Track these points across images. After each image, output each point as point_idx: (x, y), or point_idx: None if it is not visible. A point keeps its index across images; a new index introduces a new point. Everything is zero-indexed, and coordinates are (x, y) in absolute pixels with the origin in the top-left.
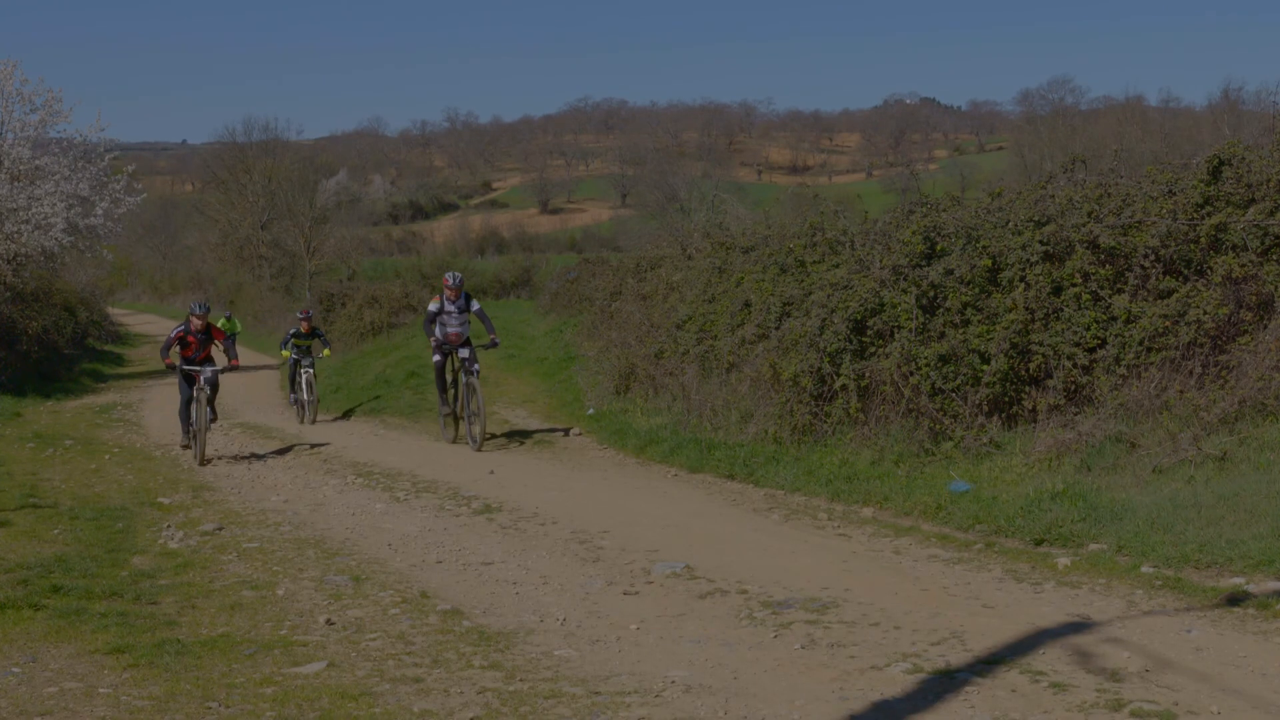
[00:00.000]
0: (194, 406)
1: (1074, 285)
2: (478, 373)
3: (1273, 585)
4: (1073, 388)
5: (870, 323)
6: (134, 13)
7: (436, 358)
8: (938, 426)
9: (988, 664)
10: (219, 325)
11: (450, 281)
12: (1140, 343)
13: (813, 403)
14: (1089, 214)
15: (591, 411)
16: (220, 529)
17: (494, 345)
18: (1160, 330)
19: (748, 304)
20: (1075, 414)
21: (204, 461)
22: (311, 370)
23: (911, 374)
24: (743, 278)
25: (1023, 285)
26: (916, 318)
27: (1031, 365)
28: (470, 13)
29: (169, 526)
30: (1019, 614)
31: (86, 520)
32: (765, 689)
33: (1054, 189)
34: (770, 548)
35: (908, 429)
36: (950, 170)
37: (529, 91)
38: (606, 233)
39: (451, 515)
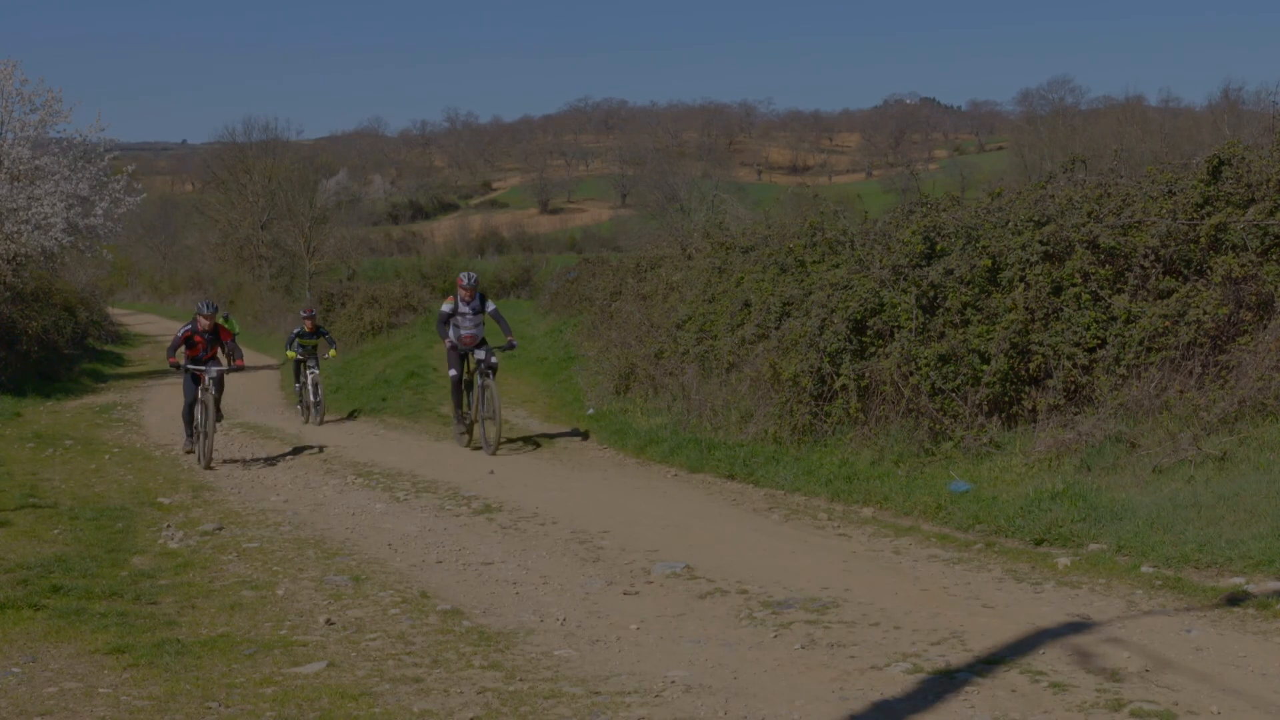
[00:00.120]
0: (198, 408)
1: (1074, 285)
2: (494, 374)
3: (1273, 585)
4: (1073, 388)
5: (870, 323)
6: (134, 13)
7: (453, 372)
8: (938, 426)
9: (988, 664)
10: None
11: (465, 281)
12: (1140, 343)
13: (813, 403)
14: (1089, 214)
15: (591, 411)
16: (220, 529)
17: (511, 347)
18: (1160, 330)
19: (748, 304)
20: (1075, 414)
21: (210, 465)
22: (317, 371)
23: (911, 374)
24: (743, 278)
25: (1023, 285)
26: (916, 318)
27: (1031, 365)
28: (470, 13)
29: (169, 526)
30: (1019, 614)
31: (86, 520)
32: (765, 689)
33: (1054, 189)
34: (770, 548)
35: (908, 429)
36: (950, 170)
37: (529, 91)
38: (606, 233)
39: (451, 515)
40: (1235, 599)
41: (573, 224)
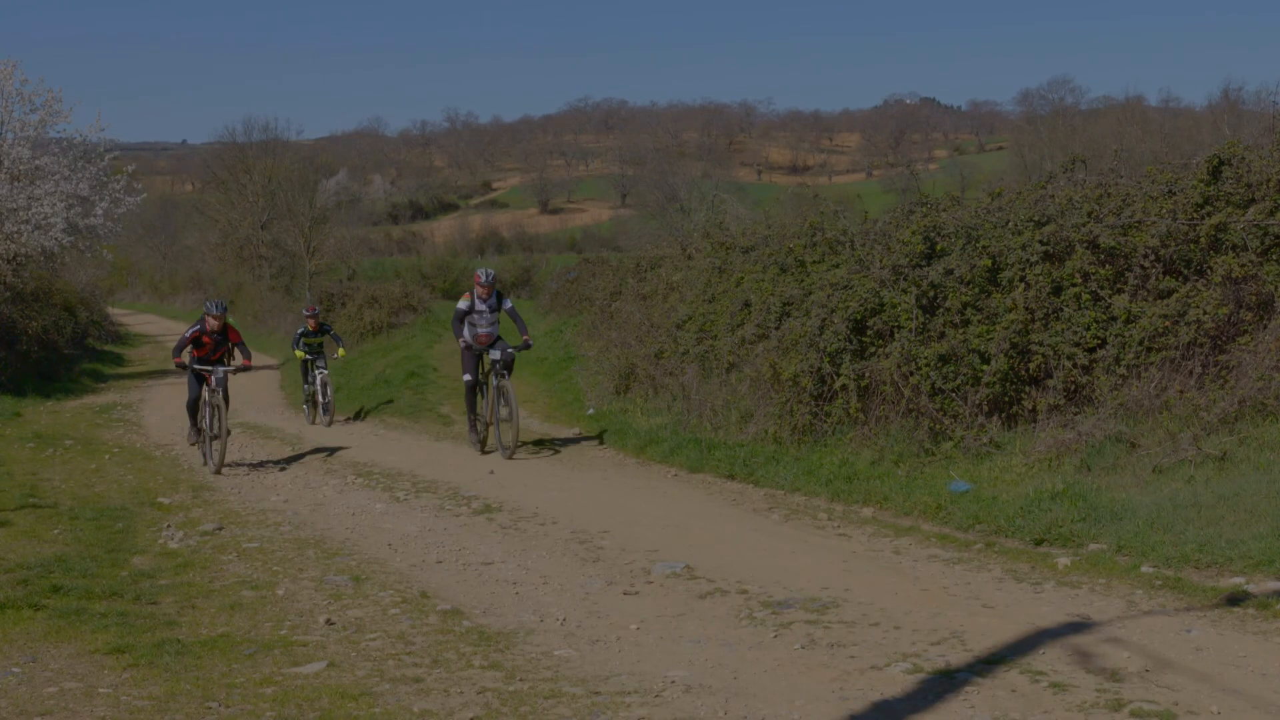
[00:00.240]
0: (207, 411)
1: (1074, 285)
2: (510, 373)
3: (1273, 585)
4: (1073, 388)
5: (870, 323)
6: (134, 13)
7: (467, 378)
8: (938, 426)
9: (988, 664)
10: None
11: (483, 278)
12: (1140, 343)
13: (813, 403)
14: (1089, 214)
15: (591, 411)
16: (220, 529)
17: (527, 347)
18: (1160, 330)
19: (748, 304)
20: (1075, 414)
21: (220, 470)
22: (326, 371)
23: (911, 374)
24: (743, 278)
25: (1023, 285)
26: (916, 318)
27: (1031, 365)
28: (470, 13)
29: (169, 526)
30: (1019, 614)
31: (86, 520)
32: (765, 689)
33: (1054, 189)
34: (770, 548)
35: (908, 429)
36: (950, 170)
37: (529, 91)
38: (606, 233)
39: (451, 515)
40: (1235, 599)
41: (573, 224)
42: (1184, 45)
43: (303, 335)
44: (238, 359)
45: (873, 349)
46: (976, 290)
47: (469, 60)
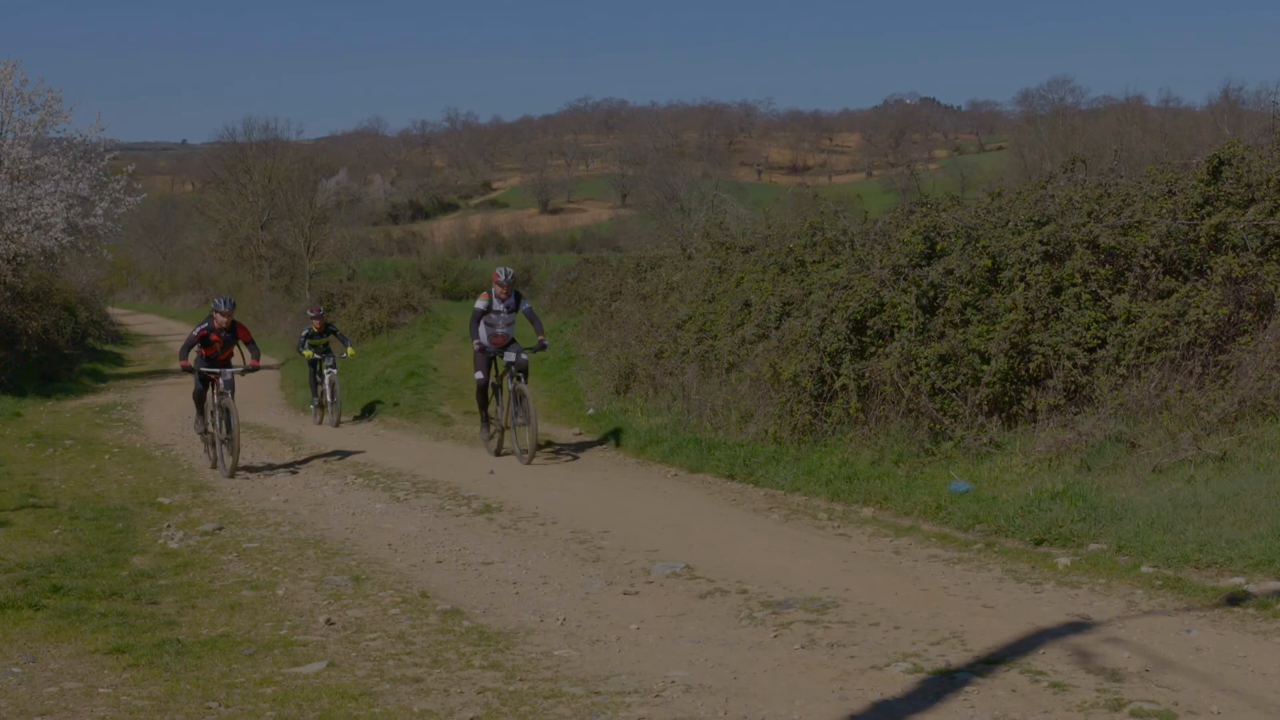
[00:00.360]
0: (217, 414)
1: (1074, 285)
2: (525, 377)
3: (1273, 585)
4: (1073, 388)
5: (870, 323)
6: (134, 13)
7: (479, 375)
8: (938, 426)
9: (988, 664)
10: None
11: (502, 277)
12: (1140, 343)
13: (813, 403)
14: (1089, 214)
15: (591, 411)
16: (220, 529)
17: (542, 348)
18: (1160, 330)
19: (748, 304)
20: (1075, 414)
21: (234, 474)
22: (335, 371)
23: (911, 374)
24: (743, 278)
25: (1023, 285)
26: (916, 318)
27: (1031, 365)
28: (470, 13)
29: (169, 526)
30: (1019, 614)
31: (86, 520)
32: (765, 689)
33: (1054, 189)
34: (770, 548)
35: (908, 429)
36: (950, 170)
37: (529, 91)
38: (606, 233)
39: (451, 515)
40: (1235, 599)
41: (573, 224)
42: (1184, 45)
43: (308, 336)
44: (246, 358)
45: (873, 349)
46: (976, 290)
47: (469, 60)
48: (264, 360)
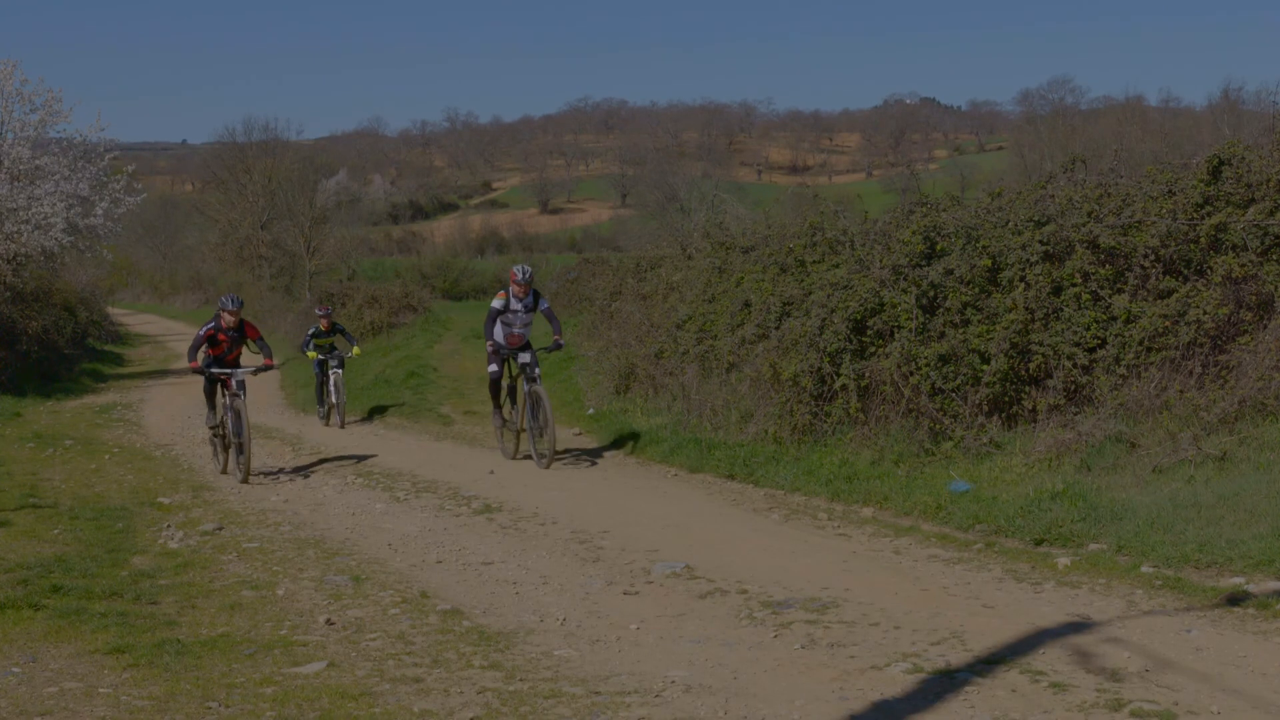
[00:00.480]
0: (228, 416)
1: (1074, 285)
2: (540, 379)
3: (1273, 585)
4: (1073, 388)
5: (870, 323)
6: (134, 13)
7: (493, 368)
8: (938, 426)
9: (988, 664)
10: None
11: (519, 276)
12: (1140, 343)
13: (813, 403)
14: (1089, 214)
15: (591, 411)
16: (220, 529)
17: (558, 348)
18: (1160, 330)
19: (748, 304)
20: (1075, 414)
21: (248, 479)
22: (340, 371)
23: (911, 374)
24: (743, 278)
25: (1023, 285)
26: (916, 318)
27: (1031, 365)
28: (470, 13)
29: (169, 526)
30: (1019, 614)
31: (86, 520)
32: (765, 689)
33: (1054, 189)
34: (770, 548)
35: (908, 429)
36: (950, 170)
37: (529, 91)
38: (606, 233)
39: (451, 515)
40: (1235, 599)
41: (573, 224)
42: (1184, 45)
43: (313, 335)
44: (258, 358)
45: (873, 349)
46: (976, 290)
47: (469, 60)
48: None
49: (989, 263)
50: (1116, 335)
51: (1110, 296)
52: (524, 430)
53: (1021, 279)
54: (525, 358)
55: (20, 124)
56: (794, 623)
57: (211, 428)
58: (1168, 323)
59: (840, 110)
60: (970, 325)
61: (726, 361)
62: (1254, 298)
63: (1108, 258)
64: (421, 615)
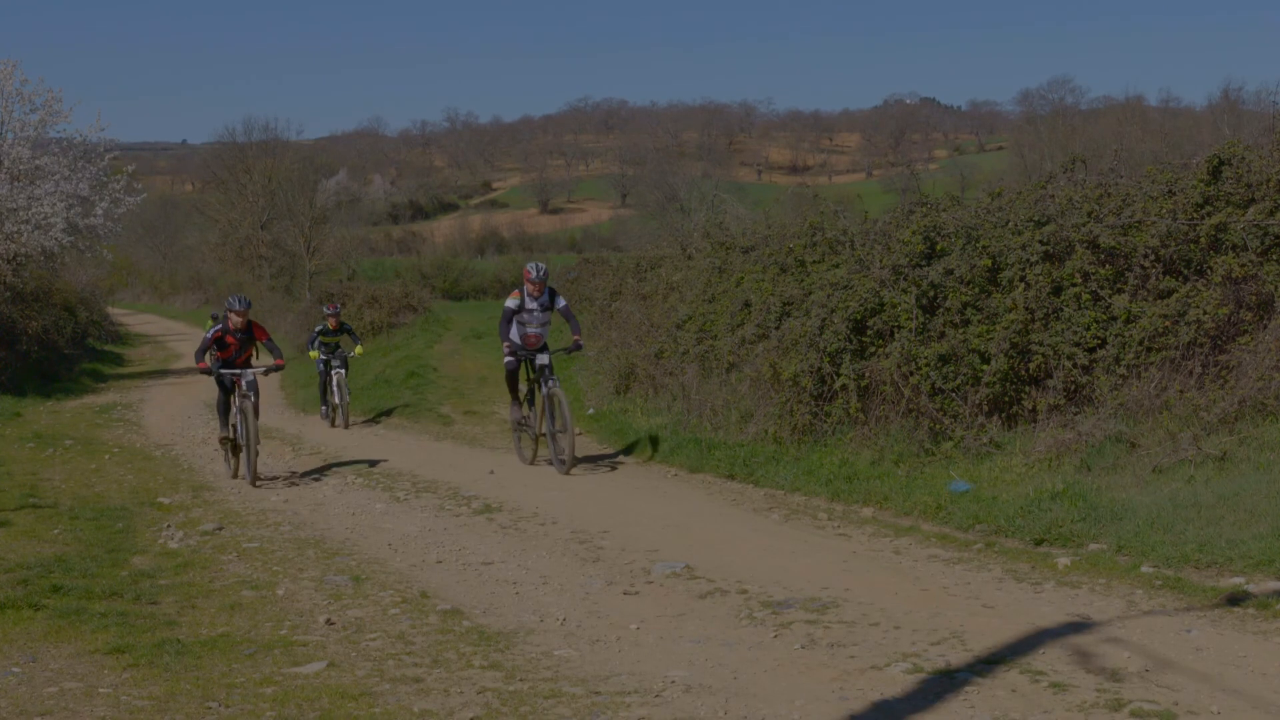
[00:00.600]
0: (238, 418)
1: (1074, 285)
2: (558, 381)
3: (1273, 585)
4: (1073, 388)
5: (870, 323)
6: (134, 13)
7: (509, 359)
8: (938, 426)
9: (988, 664)
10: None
11: (533, 274)
12: (1140, 343)
13: (813, 403)
14: (1089, 214)
15: (591, 411)
16: (220, 529)
17: (577, 349)
18: (1160, 330)
19: (748, 304)
20: (1075, 414)
21: (255, 482)
22: (343, 371)
23: (911, 374)
24: (743, 278)
25: (1023, 285)
26: (916, 318)
27: (1031, 365)
28: (470, 13)
29: (169, 526)
30: (1019, 614)
31: (86, 520)
32: (765, 689)
33: (1054, 189)
34: (770, 548)
35: (908, 429)
36: (950, 170)
37: (529, 91)
38: (606, 233)
39: (451, 515)
40: (1235, 599)
41: (573, 224)
42: (1184, 45)
43: (320, 334)
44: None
45: (873, 349)
46: (976, 290)
47: (469, 60)
48: (266, 360)
49: (989, 263)
50: (1116, 335)
51: (1110, 296)
52: (542, 435)
53: (1021, 279)
54: (543, 359)
55: (20, 124)
56: (794, 623)
57: (222, 439)
58: (1168, 323)
59: (840, 110)
60: (970, 325)
61: (726, 361)
62: (1254, 298)
63: (1108, 258)
64: (421, 615)
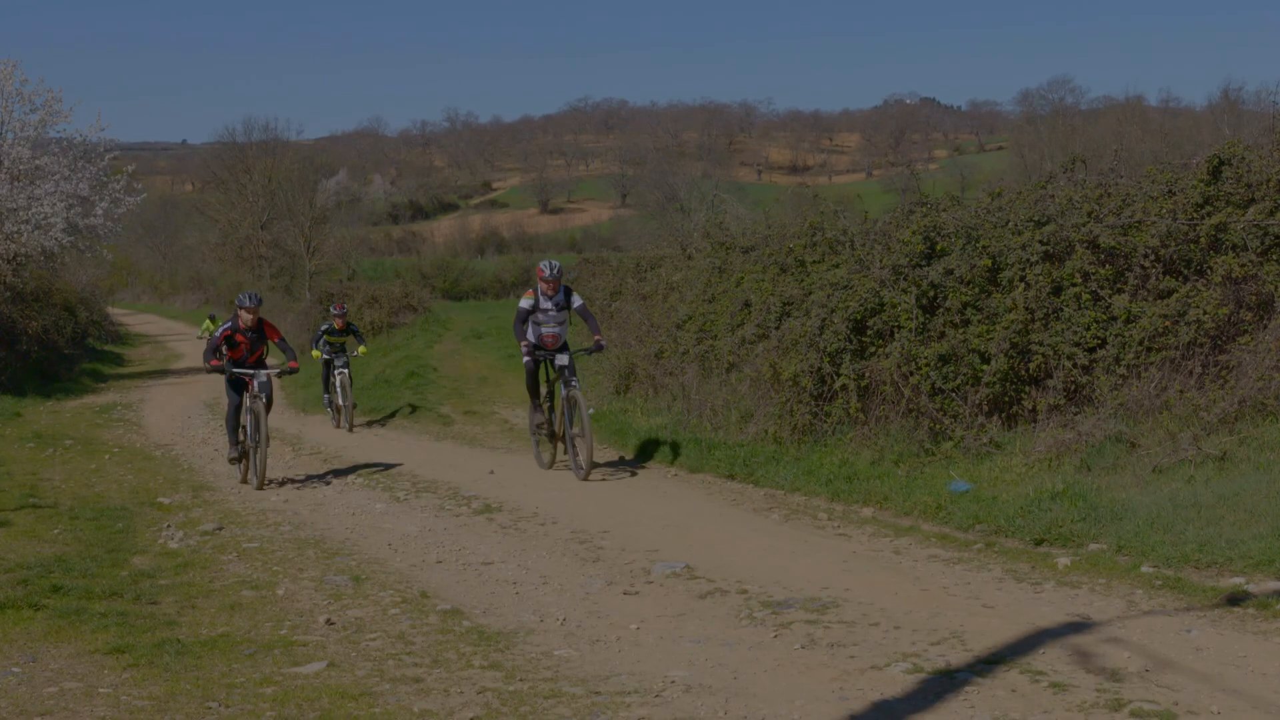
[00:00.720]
0: (247, 418)
1: (1074, 285)
2: (578, 384)
3: (1273, 585)
4: (1073, 388)
5: (870, 323)
6: (134, 13)
7: (528, 360)
8: (938, 426)
9: (988, 664)
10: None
11: (546, 272)
12: (1140, 343)
13: (813, 403)
14: (1089, 214)
15: (591, 411)
16: (220, 529)
17: (599, 349)
18: (1160, 330)
19: (748, 304)
20: (1075, 414)
21: (263, 485)
22: (346, 371)
23: (911, 374)
24: (743, 278)
25: (1023, 285)
26: (916, 318)
27: (1031, 365)
28: (470, 13)
29: (169, 526)
30: (1019, 614)
31: (86, 520)
32: (765, 689)
33: (1054, 189)
34: (770, 548)
35: (908, 429)
36: (950, 170)
37: (529, 91)
38: (606, 233)
39: (451, 515)
40: (1235, 599)
41: (573, 224)
42: (1184, 45)
43: (325, 333)
44: (275, 361)
45: (873, 349)
46: (976, 290)
47: (469, 60)
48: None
49: (989, 263)
50: (1116, 335)
51: (1110, 296)
52: (562, 438)
53: (1021, 279)
54: (563, 360)
55: (20, 124)
56: (794, 623)
57: (232, 460)
58: (1168, 323)
59: (840, 110)
60: (970, 325)
61: (726, 361)
62: (1254, 298)
63: (1108, 258)
64: (421, 615)
